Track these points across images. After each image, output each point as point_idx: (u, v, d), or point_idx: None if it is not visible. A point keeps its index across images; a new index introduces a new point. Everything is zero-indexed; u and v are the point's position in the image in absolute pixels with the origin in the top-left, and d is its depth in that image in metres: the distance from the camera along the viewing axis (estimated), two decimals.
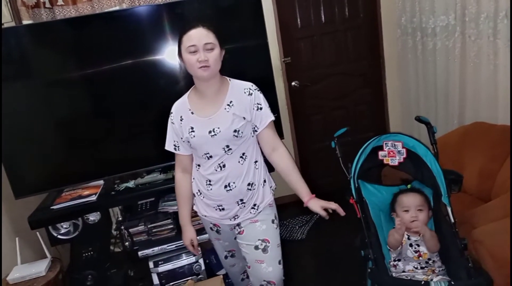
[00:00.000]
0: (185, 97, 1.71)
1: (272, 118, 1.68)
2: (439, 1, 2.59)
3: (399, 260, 1.70)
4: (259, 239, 1.70)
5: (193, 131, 1.62)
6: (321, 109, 3.33)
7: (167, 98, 2.22)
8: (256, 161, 1.70)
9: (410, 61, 3.05)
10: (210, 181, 1.67)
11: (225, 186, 1.65)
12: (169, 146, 1.75)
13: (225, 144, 1.61)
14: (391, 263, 1.72)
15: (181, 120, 1.67)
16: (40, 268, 2.11)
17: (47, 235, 2.20)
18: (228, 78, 1.69)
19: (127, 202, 2.36)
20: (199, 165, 1.71)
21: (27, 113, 2.16)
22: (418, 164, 1.84)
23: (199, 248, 1.88)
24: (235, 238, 1.81)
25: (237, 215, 1.71)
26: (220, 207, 1.70)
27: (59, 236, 2.19)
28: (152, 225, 2.30)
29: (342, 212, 1.62)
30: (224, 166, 1.63)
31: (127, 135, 2.31)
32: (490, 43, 2.28)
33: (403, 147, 1.86)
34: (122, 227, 2.29)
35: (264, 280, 1.71)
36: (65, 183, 2.29)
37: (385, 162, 1.89)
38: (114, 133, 2.31)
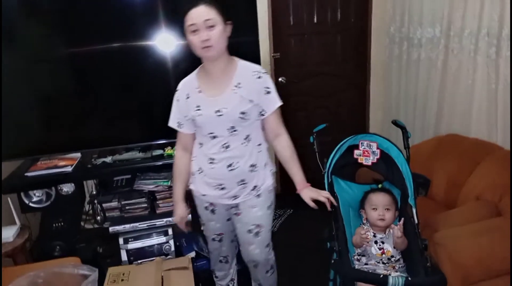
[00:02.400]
0: (193, 75, 1.70)
1: (280, 103, 1.67)
2: (427, 13, 2.68)
3: (363, 255, 1.77)
4: (253, 224, 1.77)
5: (199, 110, 1.61)
6: (305, 106, 3.39)
7: (152, 83, 2.29)
8: (259, 144, 1.72)
9: (394, 69, 3.14)
10: (213, 159, 1.67)
11: (228, 166, 1.66)
12: (172, 123, 1.75)
13: (231, 125, 1.60)
14: (355, 257, 1.79)
15: (187, 98, 1.66)
16: (8, 234, 2.09)
17: (19, 202, 2.19)
18: (236, 58, 1.67)
19: (103, 176, 2.37)
20: (201, 144, 1.71)
21: (10, 80, 2.13)
22: (390, 166, 1.91)
23: (189, 227, 1.89)
24: (228, 220, 1.85)
25: (237, 195, 1.73)
26: (221, 186, 1.70)
27: (30, 204, 2.18)
28: (126, 202, 2.31)
29: (328, 207, 1.65)
30: (228, 146, 1.64)
31: (109, 113, 2.32)
32: (471, 59, 2.37)
33: (377, 148, 1.92)
34: (96, 201, 2.29)
35: (251, 259, 1.85)
36: (42, 152, 2.28)
37: (359, 160, 1.96)
38: (96, 110, 2.31)
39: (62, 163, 2.22)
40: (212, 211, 1.82)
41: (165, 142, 2.38)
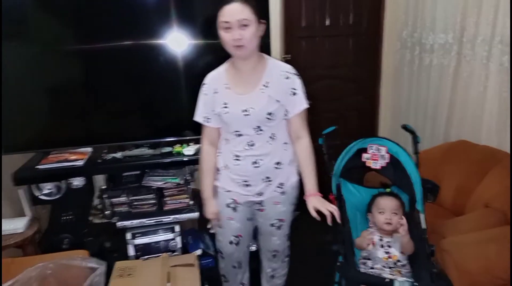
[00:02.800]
0: (221, 69, 1.67)
1: (306, 105, 1.66)
2: (440, 19, 2.67)
3: (368, 259, 1.77)
4: (276, 219, 1.81)
5: (227, 107, 1.61)
6: (313, 109, 3.32)
7: (163, 81, 2.32)
8: (285, 143, 1.71)
9: (406, 74, 3.13)
10: (238, 156, 1.67)
11: (253, 163, 1.66)
12: (199, 118, 1.73)
13: (257, 124, 1.60)
14: (361, 260, 1.79)
15: (214, 93, 1.64)
16: (18, 225, 2.13)
17: (29, 194, 2.22)
18: (266, 56, 1.66)
19: (113, 171, 2.39)
20: (227, 140, 1.70)
21: (24, 74, 2.17)
22: (398, 170, 1.91)
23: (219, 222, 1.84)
24: (248, 220, 1.84)
25: (262, 192, 1.73)
26: (246, 183, 1.71)
27: (41, 196, 2.21)
28: (134, 197, 2.33)
29: (329, 221, 1.60)
30: (253, 144, 1.64)
31: (120, 109, 2.34)
32: (483, 66, 2.36)
33: (386, 152, 1.92)
34: (105, 196, 2.32)
35: (272, 249, 1.92)
36: (53, 145, 2.31)
37: (367, 164, 1.96)
38: (107, 106, 2.34)
39: (73, 157, 2.25)
40: (234, 208, 1.79)
41: (174, 140, 2.40)
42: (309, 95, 3.60)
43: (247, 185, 1.71)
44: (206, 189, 1.80)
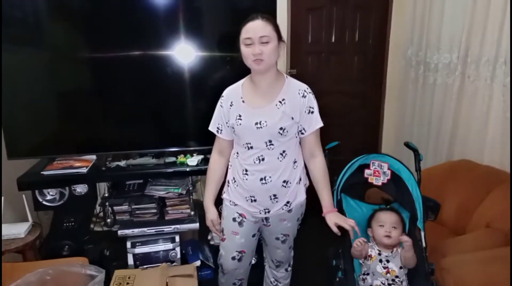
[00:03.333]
0: (239, 84, 1.72)
1: (321, 124, 1.69)
2: (445, 39, 2.70)
3: (367, 274, 1.76)
4: (281, 234, 1.84)
5: (240, 119, 1.63)
6: None
7: (169, 92, 2.35)
8: (295, 161, 1.71)
9: (410, 92, 3.15)
10: (246, 171, 1.68)
11: (261, 179, 1.66)
12: (212, 128, 1.77)
13: (268, 138, 1.62)
14: (360, 276, 1.78)
15: (230, 106, 1.67)
16: (20, 230, 2.14)
17: (32, 199, 2.23)
18: (285, 75, 1.70)
19: (116, 179, 2.41)
20: (237, 153, 1.72)
21: (33, 79, 2.21)
22: (400, 187, 1.91)
23: (223, 234, 1.83)
24: (253, 236, 1.83)
25: (268, 209, 1.73)
26: (253, 198, 1.71)
27: (44, 202, 2.22)
28: (136, 206, 2.34)
29: (358, 231, 1.66)
30: (263, 159, 1.65)
31: (125, 118, 2.37)
32: (487, 86, 2.38)
33: (388, 169, 1.93)
34: (107, 203, 2.33)
35: (276, 259, 1.96)
36: (58, 152, 2.34)
37: (369, 180, 1.97)
38: (113, 115, 2.37)
39: (77, 164, 2.27)
40: (240, 223, 1.78)
41: (178, 150, 2.42)
42: None
43: (254, 200, 1.72)
44: (208, 196, 1.80)
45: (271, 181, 1.66)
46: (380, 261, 1.74)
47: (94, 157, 2.39)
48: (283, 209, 1.74)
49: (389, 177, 1.93)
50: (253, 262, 2.17)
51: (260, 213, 1.74)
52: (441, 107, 2.79)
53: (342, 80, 3.36)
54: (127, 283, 1.87)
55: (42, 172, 2.19)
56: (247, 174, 1.69)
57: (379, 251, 1.77)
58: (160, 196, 2.36)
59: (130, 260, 2.29)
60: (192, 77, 2.31)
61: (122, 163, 2.34)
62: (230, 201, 1.79)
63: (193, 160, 2.34)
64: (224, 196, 1.84)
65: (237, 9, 2.36)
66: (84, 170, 2.23)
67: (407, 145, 2.02)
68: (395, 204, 1.97)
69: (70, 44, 2.24)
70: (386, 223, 1.79)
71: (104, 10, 2.23)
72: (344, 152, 2.46)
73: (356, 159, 1.95)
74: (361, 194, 2.19)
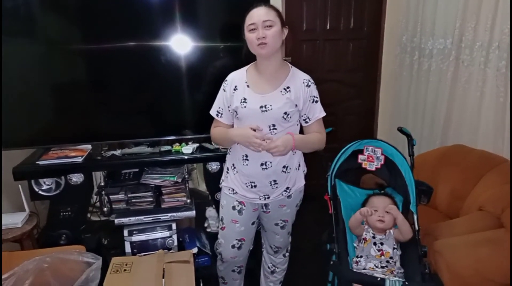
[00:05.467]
0: (243, 70, 1.74)
1: (324, 113, 1.76)
2: (439, 24, 2.70)
3: (361, 257, 1.79)
4: (280, 219, 1.89)
5: (245, 102, 1.65)
6: None
7: (164, 82, 2.34)
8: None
9: (404, 78, 3.15)
10: (247, 156, 1.70)
11: (261, 164, 1.69)
12: (213, 111, 1.79)
13: (272, 122, 1.64)
14: (354, 259, 1.81)
15: (234, 90, 1.69)
16: (17, 219, 2.15)
17: (29, 189, 2.24)
18: (289, 64, 1.74)
19: (112, 168, 2.42)
20: None
21: (28, 71, 2.20)
22: (393, 172, 1.93)
23: (222, 223, 1.83)
24: (252, 224, 1.86)
25: (268, 195, 1.76)
26: (253, 184, 1.74)
27: (40, 192, 2.23)
28: (132, 195, 2.35)
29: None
30: None
31: (120, 108, 2.36)
32: (481, 71, 2.38)
33: (382, 154, 1.95)
34: (103, 192, 2.34)
35: (274, 245, 2.00)
36: (54, 142, 2.34)
37: (363, 165, 1.98)
38: (108, 104, 2.36)
39: (73, 153, 2.28)
40: (240, 211, 1.81)
41: (173, 139, 2.43)
42: None
43: (254, 186, 1.74)
44: (230, 133, 1.70)
45: (271, 166, 1.69)
46: (375, 244, 1.76)
47: (89, 146, 2.39)
48: (282, 195, 1.77)
49: (382, 162, 1.95)
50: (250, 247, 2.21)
51: (260, 199, 1.77)
52: (435, 93, 2.80)
53: (337, 68, 3.36)
54: (124, 270, 1.88)
55: (37, 162, 2.20)
56: (247, 160, 1.71)
57: (374, 234, 1.79)
58: (156, 185, 2.37)
59: (128, 248, 2.31)
60: (187, 66, 2.30)
61: (118, 152, 2.35)
62: (229, 188, 1.81)
63: (188, 148, 2.35)
64: (222, 184, 1.86)
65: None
66: (80, 159, 2.23)
67: (401, 130, 2.03)
68: (388, 188, 1.99)
69: (65, 35, 2.21)
70: (380, 208, 1.81)
71: (100, 2, 2.21)
72: (339, 140, 2.48)
73: (349, 145, 1.96)
74: (356, 180, 2.22)
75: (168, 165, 2.42)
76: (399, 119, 3.26)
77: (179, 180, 2.37)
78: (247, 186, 1.76)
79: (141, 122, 2.42)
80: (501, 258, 1.72)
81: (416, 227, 1.75)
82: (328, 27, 3.26)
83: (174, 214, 2.34)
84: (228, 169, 1.82)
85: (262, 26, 1.56)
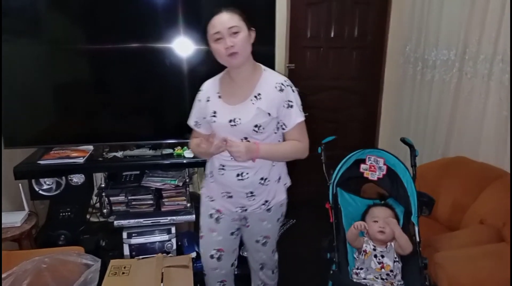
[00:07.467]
0: (216, 79, 1.67)
1: (302, 119, 1.60)
2: (444, 36, 2.71)
3: (361, 269, 1.78)
4: (261, 235, 1.80)
5: (215, 116, 1.58)
6: (314, 119, 3.38)
7: (167, 84, 2.35)
8: None
9: (407, 88, 3.16)
10: (223, 166, 1.62)
11: (237, 175, 1.60)
12: (190, 122, 1.74)
13: (243, 136, 1.56)
14: (354, 270, 1.80)
15: (207, 100, 1.63)
16: (16, 218, 2.14)
17: (29, 189, 2.24)
18: (263, 67, 1.63)
19: (113, 170, 2.42)
20: None
21: (31, 70, 2.21)
22: (395, 182, 1.93)
23: (200, 231, 1.78)
24: (231, 234, 1.78)
25: (245, 206, 1.68)
26: (229, 194, 1.66)
27: (40, 192, 2.23)
28: (133, 197, 2.35)
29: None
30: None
31: (123, 110, 2.37)
32: (484, 83, 2.39)
33: (384, 164, 1.94)
34: (104, 194, 2.34)
35: (258, 262, 1.93)
36: (55, 142, 2.34)
37: (365, 175, 1.97)
38: (111, 106, 2.37)
39: (74, 154, 2.28)
40: (217, 219, 1.74)
41: (175, 142, 2.43)
42: (310, 105, 3.63)
43: (230, 197, 1.67)
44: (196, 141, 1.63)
45: (248, 177, 1.60)
46: (375, 256, 1.75)
47: (91, 147, 2.39)
48: (260, 208, 1.69)
49: (384, 172, 1.94)
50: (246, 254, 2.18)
51: (237, 211, 1.70)
52: (438, 104, 2.81)
53: (340, 76, 3.37)
54: (123, 273, 1.88)
55: (38, 162, 2.20)
56: (223, 169, 1.62)
57: (374, 246, 1.78)
58: (157, 188, 2.37)
59: (126, 251, 2.30)
60: (190, 69, 2.31)
61: (119, 154, 2.35)
62: (208, 196, 1.75)
63: (190, 152, 2.34)
64: (202, 190, 1.80)
65: (237, 1, 2.35)
66: (81, 160, 2.23)
67: (403, 140, 2.03)
68: (390, 199, 1.98)
69: (68, 35, 2.23)
70: (380, 218, 1.81)
71: (103, 1, 2.22)
72: (340, 147, 2.48)
73: (352, 154, 1.96)
74: (357, 189, 2.21)
75: (169, 168, 2.42)
76: (400, 128, 3.27)
77: (180, 184, 2.37)
78: (223, 196, 1.68)
79: (143, 124, 2.42)
80: (501, 272, 1.71)
81: (417, 239, 1.74)
82: (332, 35, 3.27)
83: (174, 217, 2.34)
84: (207, 175, 1.75)
85: (228, 34, 1.45)
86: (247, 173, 1.60)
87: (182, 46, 2.26)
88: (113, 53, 2.25)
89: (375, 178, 1.97)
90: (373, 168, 1.97)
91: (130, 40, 2.24)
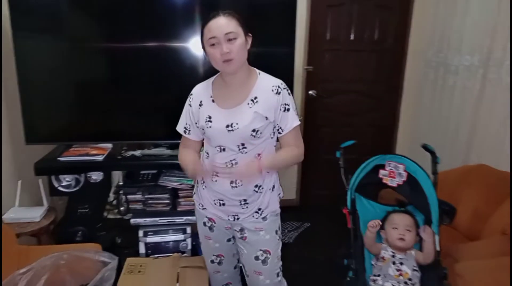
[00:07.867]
0: (209, 82, 1.61)
1: (298, 122, 1.57)
2: (467, 41, 2.66)
3: (378, 275, 1.75)
4: (260, 249, 1.65)
5: (210, 121, 1.52)
6: (332, 122, 3.39)
7: (184, 84, 2.32)
8: None
9: (428, 94, 3.11)
10: (217, 173, 1.57)
11: (231, 182, 1.56)
12: (179, 128, 1.67)
13: (241, 141, 1.51)
14: (371, 277, 1.77)
15: (200, 105, 1.57)
16: (35, 213, 2.18)
17: (48, 185, 2.27)
18: (257, 71, 1.58)
19: (131, 168, 2.44)
20: (208, 153, 1.61)
21: (53, 68, 2.25)
22: (415, 189, 1.89)
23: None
24: (228, 241, 1.74)
25: (237, 215, 1.62)
26: (221, 202, 1.61)
27: (59, 188, 2.26)
28: (150, 196, 2.37)
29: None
30: (236, 163, 1.53)
31: (141, 109, 2.38)
32: (508, 91, 2.33)
33: (404, 171, 1.91)
34: (121, 192, 2.36)
35: None
36: (75, 139, 2.37)
37: (384, 181, 1.95)
38: (129, 104, 2.38)
39: (93, 151, 2.30)
40: (210, 228, 1.70)
41: None
42: (327, 108, 3.59)
43: (222, 204, 1.62)
44: (188, 158, 1.59)
45: (241, 185, 1.56)
46: (394, 263, 1.73)
47: (110, 145, 2.42)
48: (253, 216, 1.62)
49: (404, 179, 1.91)
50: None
51: (229, 219, 1.64)
52: (459, 110, 2.75)
53: (358, 79, 3.34)
54: (139, 271, 1.89)
55: (58, 158, 2.23)
56: (217, 176, 1.57)
57: (393, 253, 1.75)
58: (173, 187, 2.38)
59: (142, 249, 2.32)
60: (208, 69, 2.31)
61: (137, 152, 2.36)
62: (199, 204, 1.71)
63: None
64: (194, 197, 1.76)
65: (256, 3, 2.35)
66: (100, 158, 2.25)
67: (425, 147, 1.99)
68: (410, 206, 1.95)
69: (89, 34, 2.26)
70: (400, 225, 1.78)
71: (123, 0, 2.24)
72: (357, 151, 2.45)
73: (372, 159, 1.93)
74: (375, 195, 2.18)
75: None
76: (420, 134, 3.22)
77: None
78: (215, 204, 1.63)
79: (161, 124, 2.43)
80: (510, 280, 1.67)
81: (437, 248, 1.71)
82: (352, 38, 3.24)
83: (190, 217, 2.35)
84: (198, 182, 1.69)
85: (224, 40, 1.40)
86: (241, 181, 1.56)
87: (200, 46, 2.26)
88: (133, 51, 2.28)
89: (395, 185, 1.94)
90: (392, 174, 1.94)
91: (149, 39, 2.26)
